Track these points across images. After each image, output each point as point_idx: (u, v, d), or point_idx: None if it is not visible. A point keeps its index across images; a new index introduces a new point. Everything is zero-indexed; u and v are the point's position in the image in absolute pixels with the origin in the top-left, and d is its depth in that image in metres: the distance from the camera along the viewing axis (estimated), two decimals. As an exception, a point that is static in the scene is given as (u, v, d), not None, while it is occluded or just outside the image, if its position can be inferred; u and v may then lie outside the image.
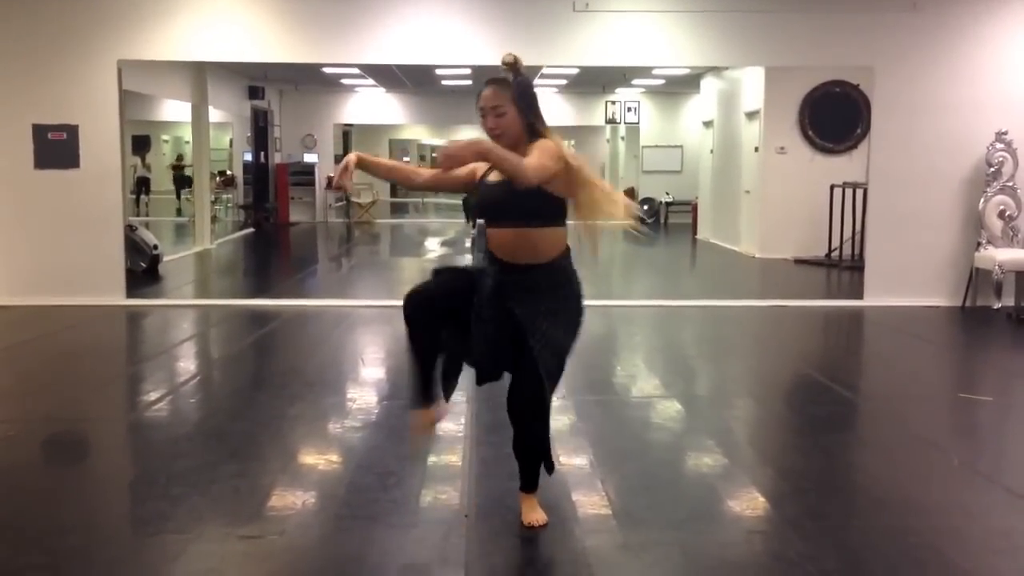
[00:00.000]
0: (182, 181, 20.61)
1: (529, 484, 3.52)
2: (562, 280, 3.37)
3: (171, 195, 21.19)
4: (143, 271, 10.51)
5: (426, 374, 3.41)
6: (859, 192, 11.09)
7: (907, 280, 8.86)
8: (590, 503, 3.77)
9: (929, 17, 8.69)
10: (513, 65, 3.34)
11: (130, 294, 8.71)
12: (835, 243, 12.02)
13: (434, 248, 13.88)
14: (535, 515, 3.50)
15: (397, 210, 25.28)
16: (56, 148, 8.39)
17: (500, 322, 3.30)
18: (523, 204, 3.26)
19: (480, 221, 3.45)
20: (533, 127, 3.31)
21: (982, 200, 8.66)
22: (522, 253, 3.31)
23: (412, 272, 12.23)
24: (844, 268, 11.52)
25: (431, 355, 3.41)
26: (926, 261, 8.86)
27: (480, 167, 3.40)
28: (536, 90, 3.41)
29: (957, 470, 4.37)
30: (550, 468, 3.52)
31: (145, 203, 20.23)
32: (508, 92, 3.29)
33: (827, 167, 12.45)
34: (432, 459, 4.31)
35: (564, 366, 3.36)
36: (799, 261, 12.33)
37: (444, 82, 17.02)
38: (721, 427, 5.03)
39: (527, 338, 3.24)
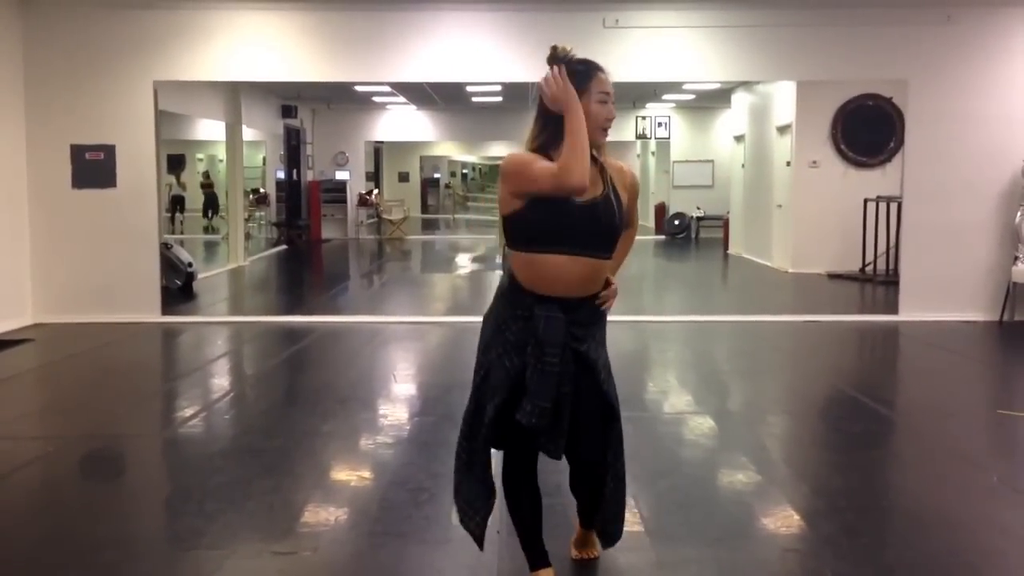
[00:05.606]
0: (210, 200, 20.78)
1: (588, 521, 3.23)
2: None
3: (204, 213, 21.38)
4: (178, 288, 10.63)
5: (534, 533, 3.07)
6: (893, 206, 10.99)
7: (943, 295, 8.76)
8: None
9: (963, 30, 8.62)
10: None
11: (165, 311, 8.80)
12: (869, 257, 11.91)
13: (464, 264, 13.94)
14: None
15: (428, 226, 25.39)
16: (93, 168, 8.53)
17: (567, 371, 2.81)
18: (613, 232, 2.81)
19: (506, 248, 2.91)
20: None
21: (1019, 213, 8.54)
22: (590, 286, 2.84)
23: (443, 288, 12.26)
24: (879, 283, 11.41)
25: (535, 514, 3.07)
26: (962, 275, 8.76)
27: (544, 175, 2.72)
28: None
29: (996, 488, 4.30)
30: (609, 538, 3.11)
31: (180, 221, 20.45)
32: None
33: (860, 181, 12.35)
34: (464, 476, 4.30)
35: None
36: (833, 276, 12.23)
37: (474, 99, 17.10)
38: (755, 444, 4.99)
39: (596, 375, 2.87)
